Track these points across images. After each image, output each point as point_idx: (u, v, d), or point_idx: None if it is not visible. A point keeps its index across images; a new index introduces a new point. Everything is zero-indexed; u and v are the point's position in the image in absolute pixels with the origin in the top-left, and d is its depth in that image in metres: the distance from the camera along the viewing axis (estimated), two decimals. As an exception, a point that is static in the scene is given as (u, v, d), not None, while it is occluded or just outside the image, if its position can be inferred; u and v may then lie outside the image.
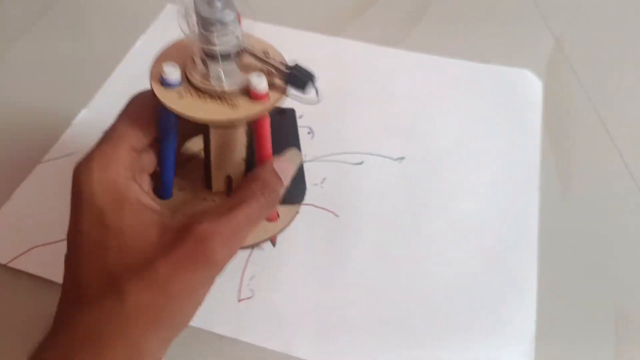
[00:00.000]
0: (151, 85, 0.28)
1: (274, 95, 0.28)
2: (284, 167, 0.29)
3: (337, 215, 0.39)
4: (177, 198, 0.33)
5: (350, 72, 0.48)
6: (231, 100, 0.27)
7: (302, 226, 0.38)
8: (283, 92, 0.28)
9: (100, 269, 0.24)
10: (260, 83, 0.27)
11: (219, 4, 0.25)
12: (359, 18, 0.54)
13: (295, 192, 0.34)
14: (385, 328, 0.34)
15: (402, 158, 0.42)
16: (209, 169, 0.33)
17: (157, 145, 0.30)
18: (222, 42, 0.26)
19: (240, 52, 0.27)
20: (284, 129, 0.37)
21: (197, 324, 0.34)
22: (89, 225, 0.25)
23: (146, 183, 0.29)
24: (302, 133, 0.44)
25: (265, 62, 0.28)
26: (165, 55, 0.29)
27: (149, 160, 0.30)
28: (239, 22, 0.27)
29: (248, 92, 0.27)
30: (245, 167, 0.33)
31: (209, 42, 0.26)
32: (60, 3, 0.55)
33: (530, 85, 0.48)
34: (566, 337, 0.34)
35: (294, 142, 0.36)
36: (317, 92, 0.28)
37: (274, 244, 0.38)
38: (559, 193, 0.41)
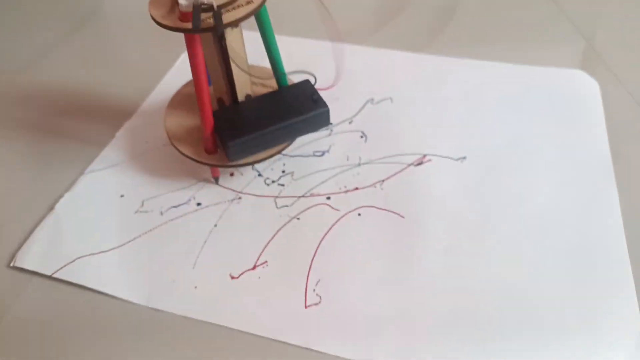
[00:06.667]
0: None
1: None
2: None
3: (402, 217, 0.36)
4: None
5: (393, 78, 0.47)
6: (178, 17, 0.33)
7: (368, 228, 0.35)
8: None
9: None
10: (185, 6, 0.31)
11: None
12: (383, 28, 0.53)
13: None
14: (458, 331, 0.30)
15: (464, 158, 0.40)
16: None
17: None
18: None
19: None
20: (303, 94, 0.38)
21: (263, 333, 0.30)
22: None
23: None
24: (355, 137, 0.42)
25: None
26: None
27: None
28: None
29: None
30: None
31: None
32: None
33: (586, 86, 0.46)
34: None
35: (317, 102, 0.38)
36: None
37: (216, 180, 0.39)
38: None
